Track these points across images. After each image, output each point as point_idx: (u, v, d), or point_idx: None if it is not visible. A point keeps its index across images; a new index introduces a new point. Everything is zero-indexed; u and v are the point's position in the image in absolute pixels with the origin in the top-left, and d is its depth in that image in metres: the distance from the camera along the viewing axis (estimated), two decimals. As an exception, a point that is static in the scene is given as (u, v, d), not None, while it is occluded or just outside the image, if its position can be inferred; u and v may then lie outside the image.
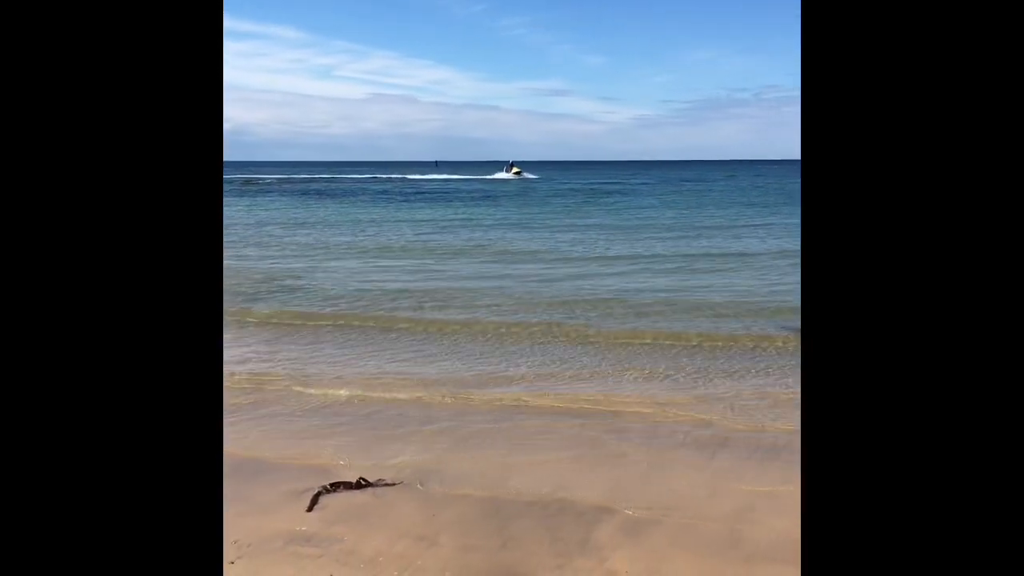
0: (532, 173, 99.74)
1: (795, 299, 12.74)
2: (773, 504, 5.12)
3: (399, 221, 32.21)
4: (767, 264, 17.85)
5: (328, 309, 12.50)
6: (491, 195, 55.30)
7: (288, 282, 15.50)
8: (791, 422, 7.05)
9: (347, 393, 7.88)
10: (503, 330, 10.95)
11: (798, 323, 10.16)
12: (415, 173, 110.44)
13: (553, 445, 6.41)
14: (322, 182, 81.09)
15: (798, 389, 8.04)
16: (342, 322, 11.60)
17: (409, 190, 64.00)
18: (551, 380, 8.56)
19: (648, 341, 10.23)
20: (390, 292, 14.10)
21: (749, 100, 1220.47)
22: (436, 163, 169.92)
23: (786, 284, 14.73)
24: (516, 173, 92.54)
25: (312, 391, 7.98)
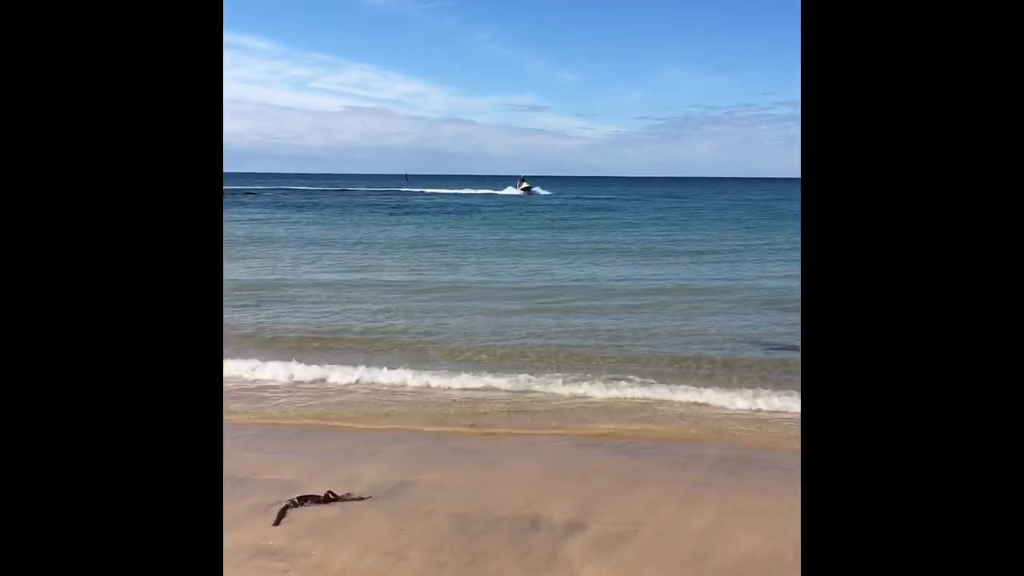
0: (545, 188, 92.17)
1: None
2: (742, 520, 5.14)
3: (389, 245, 28.35)
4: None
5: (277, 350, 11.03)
6: (488, 209, 54.44)
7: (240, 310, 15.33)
8: (761, 436, 7.10)
9: (309, 421, 7.76)
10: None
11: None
12: (393, 185, 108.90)
13: (524, 462, 6.40)
14: (303, 195, 78.34)
15: (771, 407, 8.10)
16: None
17: (417, 203, 62.74)
18: (521, 414, 8.57)
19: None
20: (356, 329, 12.44)
21: (722, 118, 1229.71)
22: (406, 176, 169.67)
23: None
24: (525, 189, 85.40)
25: (274, 419, 7.83)
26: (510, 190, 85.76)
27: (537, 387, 8.86)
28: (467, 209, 54.78)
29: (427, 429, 7.49)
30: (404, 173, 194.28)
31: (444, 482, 5.83)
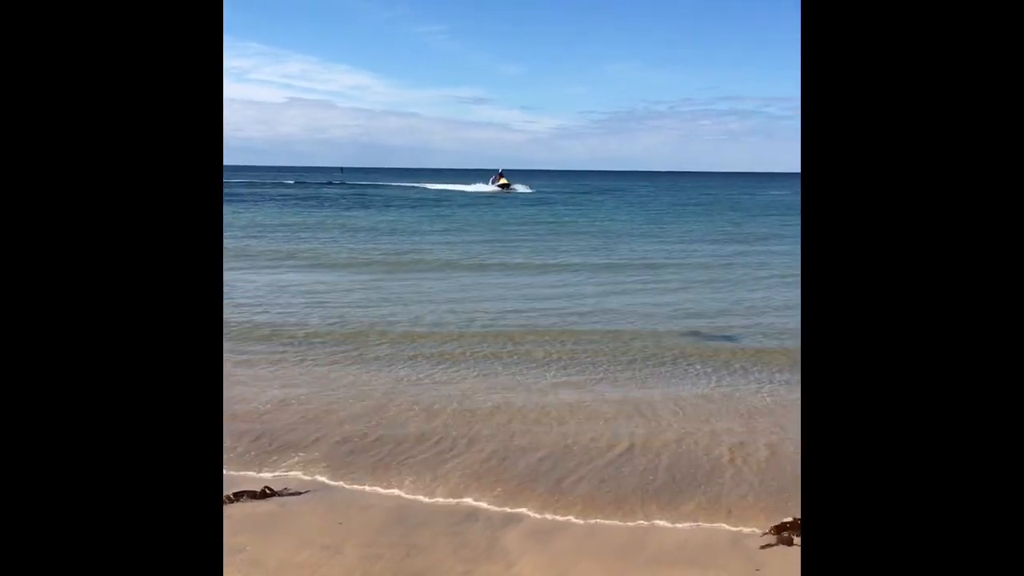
0: (526, 185, 74.39)
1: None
2: (675, 511, 5.25)
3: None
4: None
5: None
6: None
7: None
8: (694, 431, 7.23)
9: (247, 408, 7.66)
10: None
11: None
12: (330, 179, 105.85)
13: (462, 453, 6.42)
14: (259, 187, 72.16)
15: (700, 406, 8.24)
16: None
17: (379, 199, 55.09)
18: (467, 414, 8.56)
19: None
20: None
21: (666, 112, 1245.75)
22: (341, 169, 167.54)
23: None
24: (503, 186, 68.39)
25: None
26: (480, 186, 69.72)
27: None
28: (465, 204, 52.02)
29: (355, 426, 7.44)
30: (339, 167, 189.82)
31: (381, 474, 5.81)
